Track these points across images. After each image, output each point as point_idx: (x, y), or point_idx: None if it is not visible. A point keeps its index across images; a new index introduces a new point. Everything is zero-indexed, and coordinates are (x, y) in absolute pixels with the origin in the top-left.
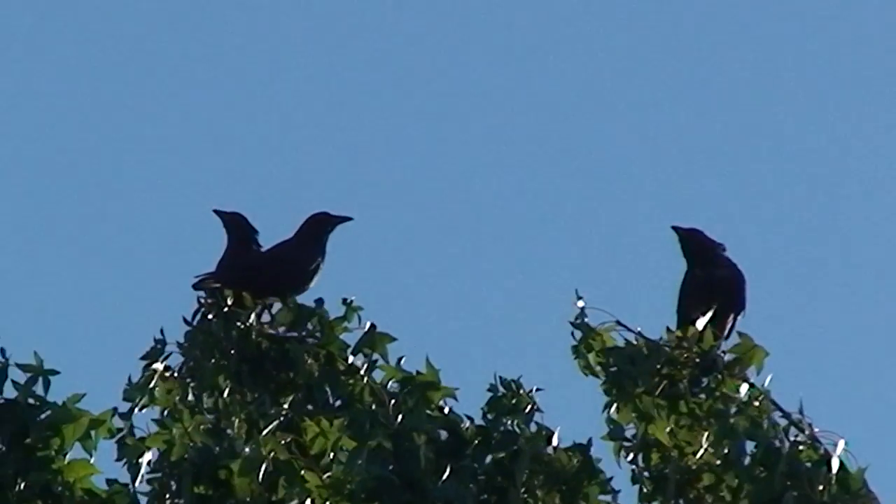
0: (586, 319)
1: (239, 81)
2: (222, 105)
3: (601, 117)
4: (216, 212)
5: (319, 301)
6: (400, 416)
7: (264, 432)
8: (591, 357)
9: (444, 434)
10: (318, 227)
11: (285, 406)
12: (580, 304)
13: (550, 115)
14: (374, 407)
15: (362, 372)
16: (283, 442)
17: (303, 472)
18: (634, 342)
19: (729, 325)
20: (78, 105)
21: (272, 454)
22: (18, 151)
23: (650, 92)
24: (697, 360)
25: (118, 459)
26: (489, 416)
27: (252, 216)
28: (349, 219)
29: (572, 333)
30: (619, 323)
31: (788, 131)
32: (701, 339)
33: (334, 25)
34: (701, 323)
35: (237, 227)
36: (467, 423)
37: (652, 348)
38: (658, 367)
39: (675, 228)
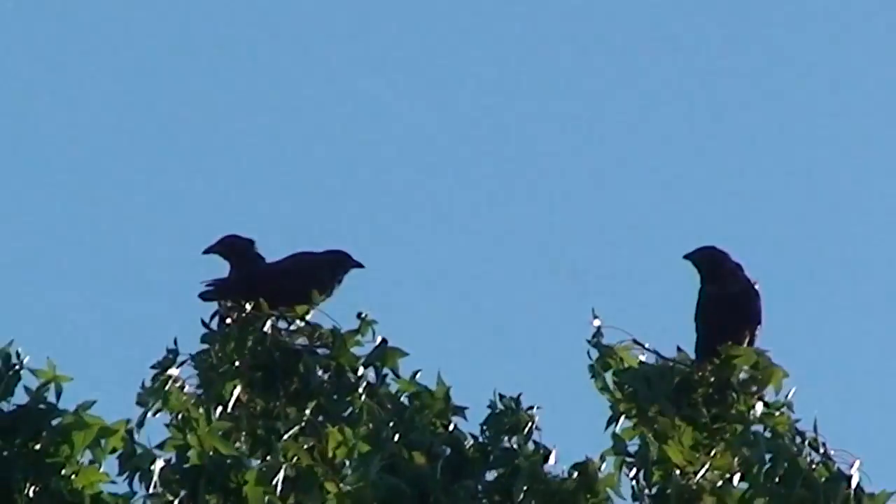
0: (602, 339)
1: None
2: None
3: (617, 132)
4: (206, 252)
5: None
6: (402, 432)
7: (285, 436)
8: (608, 377)
9: (447, 451)
10: (337, 266)
11: (305, 412)
12: (596, 322)
13: (566, 125)
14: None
15: (370, 385)
16: (304, 447)
17: (322, 479)
18: (653, 361)
19: (746, 341)
20: (89, 112)
21: (295, 459)
22: (36, 157)
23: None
24: (712, 378)
25: (120, 473)
26: (487, 434)
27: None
28: (362, 266)
29: (588, 353)
30: (635, 341)
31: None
32: (718, 359)
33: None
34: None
35: (231, 249)
36: (470, 441)
37: (667, 369)
38: (674, 386)
39: (687, 257)
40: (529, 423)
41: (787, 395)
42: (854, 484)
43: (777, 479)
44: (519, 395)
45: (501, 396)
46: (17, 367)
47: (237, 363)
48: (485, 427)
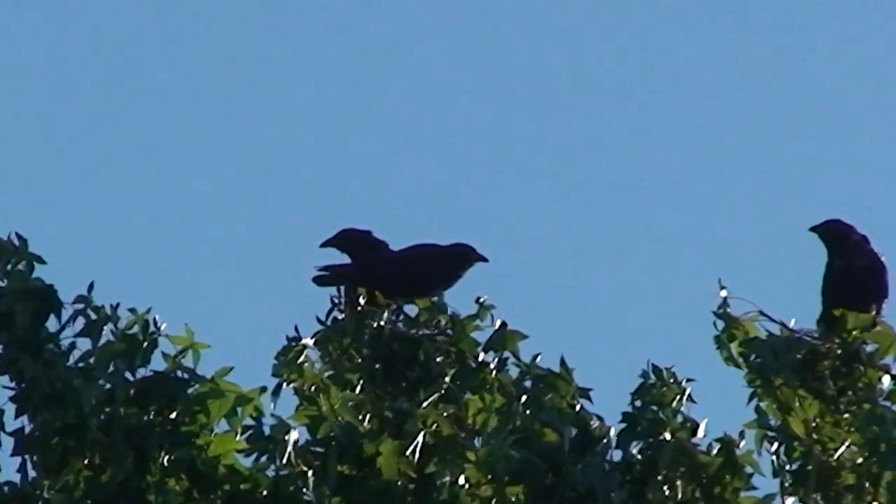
0: (728, 309)
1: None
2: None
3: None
4: (324, 245)
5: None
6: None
7: (424, 404)
8: (734, 347)
9: (573, 431)
10: (457, 260)
11: (446, 380)
12: (723, 293)
13: (684, 112)
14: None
15: (492, 367)
16: (444, 415)
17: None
18: (777, 333)
19: (872, 315)
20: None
21: (434, 426)
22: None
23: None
24: (840, 350)
25: (250, 446)
26: (636, 404)
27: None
28: (486, 260)
29: (714, 323)
30: (761, 313)
31: None
32: (844, 329)
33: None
34: (845, 314)
35: (348, 240)
36: (597, 423)
37: (793, 340)
38: (800, 357)
39: (813, 230)
40: (679, 396)
41: None
42: None
43: None
44: (671, 367)
45: (654, 367)
46: (154, 334)
47: (356, 357)
48: (633, 396)
